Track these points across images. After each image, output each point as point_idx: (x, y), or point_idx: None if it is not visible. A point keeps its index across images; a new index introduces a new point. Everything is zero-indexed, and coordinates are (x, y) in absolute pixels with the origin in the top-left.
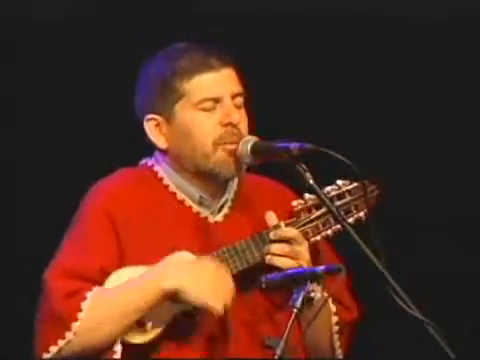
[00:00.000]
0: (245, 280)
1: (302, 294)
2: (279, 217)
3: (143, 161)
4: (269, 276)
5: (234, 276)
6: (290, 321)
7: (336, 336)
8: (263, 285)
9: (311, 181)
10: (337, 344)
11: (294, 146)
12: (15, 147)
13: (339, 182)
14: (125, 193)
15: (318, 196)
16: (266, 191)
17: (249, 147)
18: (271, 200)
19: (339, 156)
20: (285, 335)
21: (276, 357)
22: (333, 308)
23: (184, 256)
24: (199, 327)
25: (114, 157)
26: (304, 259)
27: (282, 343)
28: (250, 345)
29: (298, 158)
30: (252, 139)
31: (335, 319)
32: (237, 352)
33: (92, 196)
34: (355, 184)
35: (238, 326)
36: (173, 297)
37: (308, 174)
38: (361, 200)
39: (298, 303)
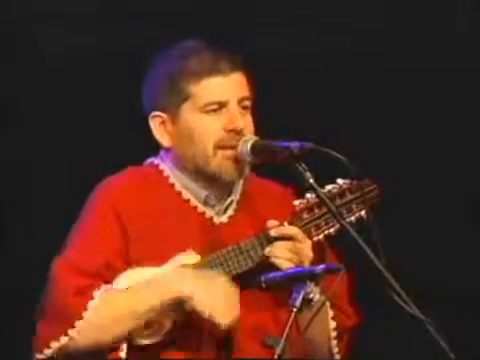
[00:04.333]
0: (249, 279)
1: (302, 293)
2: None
3: (149, 160)
4: (269, 275)
5: (238, 275)
6: (290, 320)
7: (334, 341)
8: (263, 285)
9: (311, 180)
10: (335, 350)
11: (294, 145)
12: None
13: (340, 181)
14: (131, 190)
15: (318, 195)
16: (272, 195)
17: (249, 146)
18: (276, 204)
19: (339, 156)
20: (285, 334)
21: (276, 356)
22: (331, 313)
23: (189, 265)
24: (204, 328)
25: (119, 156)
26: (306, 257)
27: (282, 342)
28: (254, 344)
29: (298, 157)
30: (252, 138)
31: (333, 324)
32: (241, 350)
33: (99, 192)
34: (355, 182)
35: (242, 326)
36: (179, 305)
37: (308, 173)
38: (362, 198)
39: (298, 302)
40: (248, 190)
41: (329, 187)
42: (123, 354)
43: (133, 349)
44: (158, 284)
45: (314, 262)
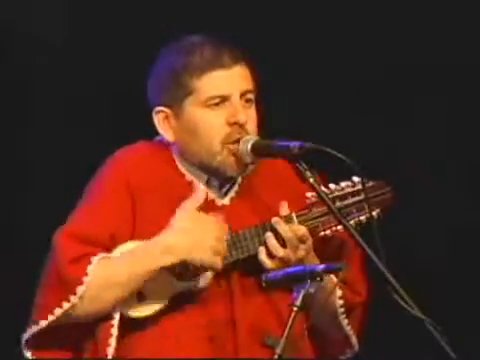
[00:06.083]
0: (250, 276)
1: (302, 293)
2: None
3: (159, 137)
4: (269, 275)
5: (238, 270)
6: (290, 320)
7: (342, 316)
8: (263, 284)
9: (311, 180)
10: (345, 322)
11: (294, 145)
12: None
13: (355, 179)
14: (143, 164)
15: (318, 194)
16: (278, 175)
17: (249, 146)
18: (278, 185)
19: (339, 155)
20: (285, 334)
21: (276, 356)
22: (339, 293)
23: (183, 220)
24: (201, 307)
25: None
26: (300, 256)
27: (282, 342)
28: (254, 344)
29: (298, 157)
30: (252, 138)
31: (340, 302)
32: (240, 349)
33: (111, 164)
34: (370, 183)
35: (243, 325)
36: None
37: (308, 173)
38: (375, 199)
39: (298, 302)
40: (252, 173)
41: (343, 184)
42: (115, 330)
43: (126, 323)
44: (152, 251)
45: (330, 256)
